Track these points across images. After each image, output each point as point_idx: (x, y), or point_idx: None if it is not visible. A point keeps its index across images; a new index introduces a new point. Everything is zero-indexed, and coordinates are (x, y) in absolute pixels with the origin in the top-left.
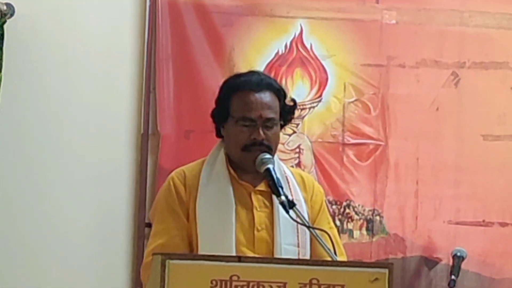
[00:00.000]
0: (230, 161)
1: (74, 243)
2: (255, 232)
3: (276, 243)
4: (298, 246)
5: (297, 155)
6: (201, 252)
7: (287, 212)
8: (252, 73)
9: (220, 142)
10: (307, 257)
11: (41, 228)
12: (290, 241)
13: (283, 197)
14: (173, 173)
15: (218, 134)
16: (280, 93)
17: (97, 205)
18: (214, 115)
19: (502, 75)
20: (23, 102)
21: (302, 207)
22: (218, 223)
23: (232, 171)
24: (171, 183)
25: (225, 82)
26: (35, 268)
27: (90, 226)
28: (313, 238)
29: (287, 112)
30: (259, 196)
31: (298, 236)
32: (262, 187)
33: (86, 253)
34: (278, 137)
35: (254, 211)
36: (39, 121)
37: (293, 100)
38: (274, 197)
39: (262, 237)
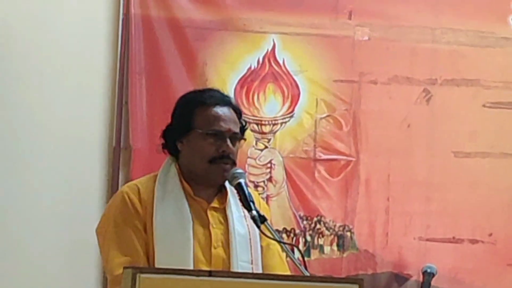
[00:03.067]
0: (184, 176)
1: (44, 254)
2: (212, 249)
3: (232, 260)
4: (252, 263)
5: (268, 170)
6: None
7: (258, 227)
8: (210, 89)
9: (170, 158)
10: None
11: (11, 237)
12: (244, 258)
13: (254, 212)
14: (125, 187)
15: (171, 150)
16: (238, 111)
17: (69, 217)
18: (171, 129)
19: (474, 92)
20: None
21: None
22: (176, 240)
23: (187, 186)
24: (126, 197)
25: (183, 98)
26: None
27: (62, 237)
28: (264, 254)
29: (243, 131)
30: (214, 213)
31: (251, 253)
32: (216, 203)
33: (56, 263)
34: (237, 153)
35: (211, 228)
36: (11, 132)
37: (244, 120)
38: (228, 214)
39: (218, 254)
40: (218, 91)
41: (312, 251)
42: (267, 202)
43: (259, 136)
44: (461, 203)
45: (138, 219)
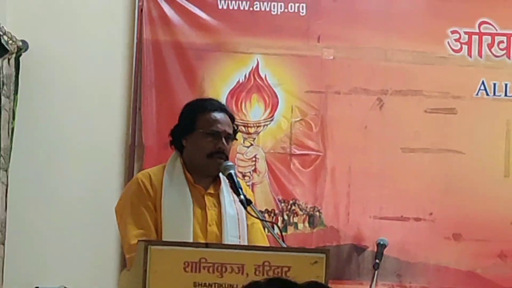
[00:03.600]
0: (187, 167)
1: (73, 231)
2: (208, 226)
3: (224, 236)
4: (239, 238)
5: (253, 163)
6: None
7: (245, 208)
8: (210, 99)
9: (176, 152)
10: None
11: (49, 216)
12: (233, 234)
13: (242, 196)
14: (139, 174)
15: (177, 145)
16: (232, 117)
17: (94, 201)
18: (179, 129)
19: (417, 100)
20: (35, 121)
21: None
22: (180, 219)
23: (188, 175)
24: (141, 182)
25: (189, 105)
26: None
27: (88, 216)
28: (249, 231)
29: (235, 133)
30: (210, 197)
31: (239, 230)
32: (211, 190)
33: (82, 237)
34: (230, 150)
35: (207, 210)
36: (49, 135)
37: (236, 125)
38: (221, 198)
39: (213, 231)
40: (216, 100)
41: (288, 227)
42: (252, 189)
43: (246, 136)
44: (407, 189)
45: (150, 200)
